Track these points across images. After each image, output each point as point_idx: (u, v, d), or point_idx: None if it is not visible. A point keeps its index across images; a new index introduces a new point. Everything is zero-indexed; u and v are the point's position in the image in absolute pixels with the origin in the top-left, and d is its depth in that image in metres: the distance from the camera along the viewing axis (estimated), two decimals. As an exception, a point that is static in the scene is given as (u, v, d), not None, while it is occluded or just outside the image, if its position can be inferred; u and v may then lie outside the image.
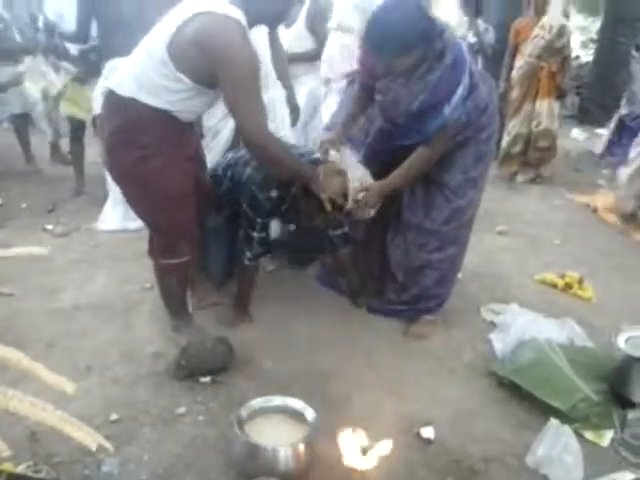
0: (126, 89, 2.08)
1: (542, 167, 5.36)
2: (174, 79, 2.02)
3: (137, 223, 3.69)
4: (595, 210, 4.46)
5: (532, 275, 3.25)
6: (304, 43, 3.65)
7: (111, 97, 2.15)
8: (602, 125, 7.83)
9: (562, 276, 3.16)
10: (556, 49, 5.02)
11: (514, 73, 5.22)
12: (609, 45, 8.19)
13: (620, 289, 3.14)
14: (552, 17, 5.06)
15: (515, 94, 5.21)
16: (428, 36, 2.08)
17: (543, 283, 3.18)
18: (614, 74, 7.30)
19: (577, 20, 14.60)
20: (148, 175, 2.16)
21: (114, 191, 3.72)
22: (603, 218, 4.30)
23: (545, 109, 5.14)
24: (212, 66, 1.97)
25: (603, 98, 7.85)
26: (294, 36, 3.61)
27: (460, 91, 2.16)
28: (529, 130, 5.19)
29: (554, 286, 3.14)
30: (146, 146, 2.12)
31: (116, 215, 3.73)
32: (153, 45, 2.04)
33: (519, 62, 5.18)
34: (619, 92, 5.86)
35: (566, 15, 9.23)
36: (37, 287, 2.90)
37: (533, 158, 5.28)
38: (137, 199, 2.30)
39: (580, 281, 3.10)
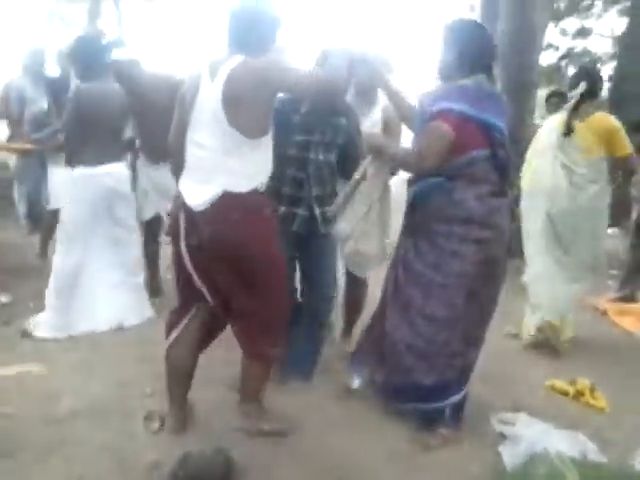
0: (219, 187, 2.23)
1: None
2: (234, 141, 2.20)
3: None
4: (605, 313, 4.40)
5: (542, 380, 3.17)
6: None
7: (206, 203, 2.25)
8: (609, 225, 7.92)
9: (573, 382, 3.08)
10: None
11: None
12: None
13: (635, 399, 3.04)
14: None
15: None
16: None
17: (553, 390, 3.10)
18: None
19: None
20: (262, 257, 2.30)
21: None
22: (614, 321, 4.24)
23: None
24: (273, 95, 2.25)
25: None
26: None
27: None
28: None
29: (565, 394, 3.05)
30: (259, 230, 2.30)
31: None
32: (209, 128, 2.23)
33: None
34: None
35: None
36: (34, 392, 2.85)
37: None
38: (249, 285, 2.32)
39: (592, 389, 3.02)
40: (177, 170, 2.46)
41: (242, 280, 2.31)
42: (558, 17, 12.91)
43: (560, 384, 3.10)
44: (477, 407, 2.82)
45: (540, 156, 3.63)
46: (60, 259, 3.71)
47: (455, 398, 2.60)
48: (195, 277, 2.38)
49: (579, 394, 3.01)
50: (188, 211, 2.30)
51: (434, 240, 2.48)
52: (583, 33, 13.61)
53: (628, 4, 10.28)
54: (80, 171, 3.67)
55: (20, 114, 5.01)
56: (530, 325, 3.68)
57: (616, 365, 3.47)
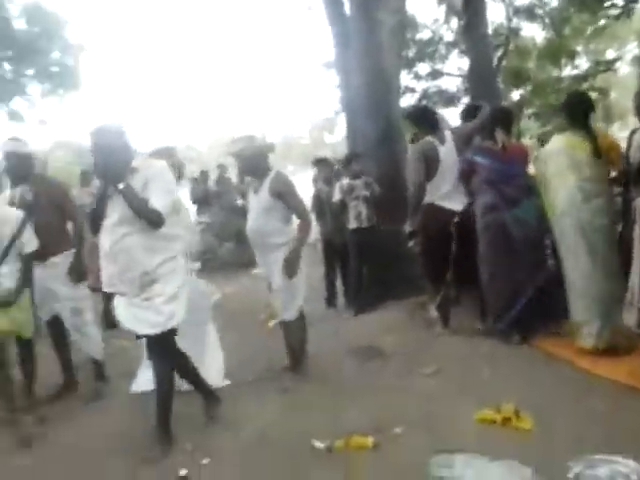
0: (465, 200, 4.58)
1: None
2: None
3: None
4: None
5: (470, 415, 3.19)
6: None
7: None
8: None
9: (498, 409, 3.14)
10: None
11: None
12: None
13: (556, 415, 3.11)
14: None
15: None
16: None
17: (483, 421, 3.13)
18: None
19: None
20: None
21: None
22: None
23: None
24: None
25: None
26: None
27: None
28: None
29: (493, 422, 3.10)
30: None
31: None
32: None
33: None
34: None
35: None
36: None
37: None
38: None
39: (516, 412, 3.08)
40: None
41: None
42: (409, 63, 13.91)
43: (487, 414, 3.14)
44: (411, 454, 2.83)
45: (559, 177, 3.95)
46: None
47: None
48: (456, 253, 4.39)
49: (506, 420, 3.07)
50: (454, 213, 4.43)
51: None
52: (434, 75, 14.73)
53: (464, 46, 11.28)
54: None
55: None
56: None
57: (532, 384, 3.55)
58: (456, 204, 4.47)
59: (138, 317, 3.09)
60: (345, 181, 5.95)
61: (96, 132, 3.09)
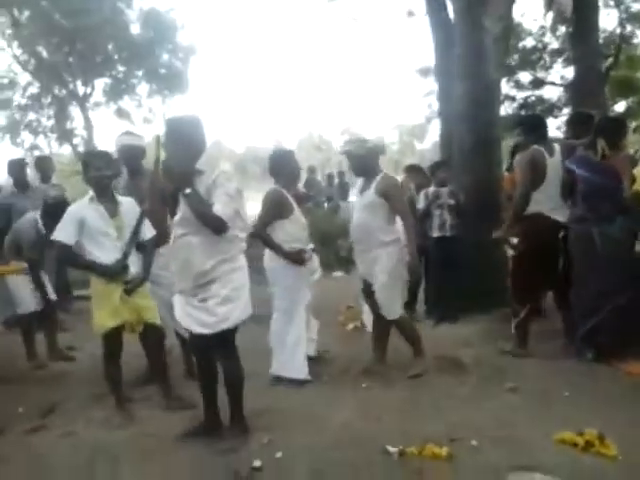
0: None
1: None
2: None
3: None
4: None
5: (550, 434, 3.09)
6: None
7: None
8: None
9: (581, 433, 3.02)
10: None
11: None
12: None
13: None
14: None
15: None
16: None
17: (563, 442, 3.02)
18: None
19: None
20: None
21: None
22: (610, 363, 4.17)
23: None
24: None
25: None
26: None
27: None
28: None
29: (574, 444, 2.98)
30: None
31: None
32: None
33: None
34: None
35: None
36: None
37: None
38: None
39: (601, 438, 2.95)
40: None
41: None
42: (510, 71, 13.54)
43: (569, 436, 3.03)
44: (486, 468, 2.78)
45: None
46: None
47: None
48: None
49: (589, 445, 2.95)
50: (560, 226, 4.35)
51: None
52: (536, 83, 14.25)
53: (571, 54, 10.83)
54: None
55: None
56: None
57: (619, 409, 3.39)
58: (562, 216, 4.37)
59: (192, 315, 3.11)
60: (431, 189, 5.88)
61: (172, 120, 3.13)
